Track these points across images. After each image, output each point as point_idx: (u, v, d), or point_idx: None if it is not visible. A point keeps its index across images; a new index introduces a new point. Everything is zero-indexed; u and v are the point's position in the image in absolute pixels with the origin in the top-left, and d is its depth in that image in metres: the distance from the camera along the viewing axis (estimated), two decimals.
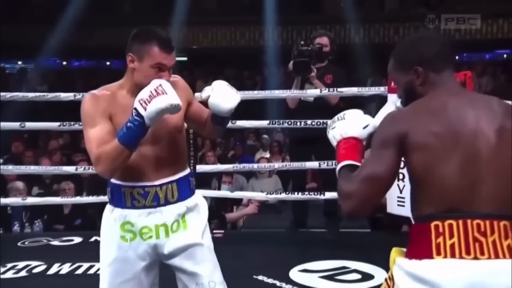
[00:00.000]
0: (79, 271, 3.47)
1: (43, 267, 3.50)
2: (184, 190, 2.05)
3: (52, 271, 3.47)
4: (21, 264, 3.56)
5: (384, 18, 12.85)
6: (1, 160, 5.71)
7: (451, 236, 1.39)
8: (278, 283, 3.19)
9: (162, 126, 1.96)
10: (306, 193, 4.34)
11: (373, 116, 1.78)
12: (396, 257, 1.49)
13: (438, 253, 1.39)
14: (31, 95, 4.84)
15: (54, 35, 10.89)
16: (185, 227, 2.03)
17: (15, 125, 4.50)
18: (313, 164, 4.25)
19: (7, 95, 4.47)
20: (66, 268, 3.52)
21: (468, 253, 1.37)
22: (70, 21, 10.93)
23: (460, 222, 1.39)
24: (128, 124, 1.80)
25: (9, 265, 3.54)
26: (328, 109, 4.08)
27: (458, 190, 1.42)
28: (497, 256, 1.37)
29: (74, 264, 3.56)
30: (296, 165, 4.39)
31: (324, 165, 4.11)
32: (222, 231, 4.57)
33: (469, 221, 1.39)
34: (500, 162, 1.44)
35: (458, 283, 1.36)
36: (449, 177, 1.42)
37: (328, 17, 12.00)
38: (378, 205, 1.78)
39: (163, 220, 2.00)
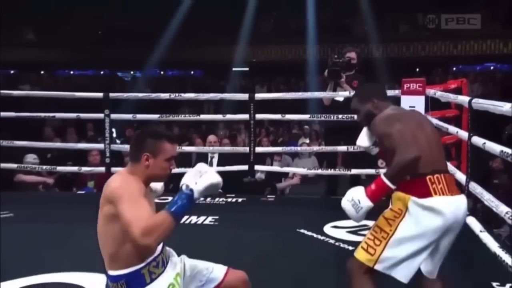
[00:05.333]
0: None
1: None
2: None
3: None
4: None
5: (398, 38, 12.51)
6: (119, 141, 5.91)
7: (439, 183, 1.74)
8: (315, 235, 3.19)
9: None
10: (337, 169, 4.29)
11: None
12: (407, 197, 1.74)
13: (436, 193, 1.73)
14: (140, 95, 4.99)
15: (154, 53, 11.12)
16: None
17: (128, 116, 4.63)
18: (342, 148, 4.19)
19: (124, 95, 4.64)
20: None
21: (449, 192, 1.74)
22: (166, 42, 11.12)
23: (442, 175, 1.75)
24: (179, 198, 1.46)
25: None
26: None
27: (435, 158, 1.79)
28: (458, 192, 1.80)
29: None
30: (329, 148, 4.34)
31: (351, 149, 4.04)
32: (274, 196, 4.59)
33: (444, 175, 1.76)
34: (437, 140, 1.89)
35: (451, 209, 1.73)
36: (428, 151, 1.75)
37: (355, 38, 11.71)
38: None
39: (175, 272, 1.71)
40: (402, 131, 1.75)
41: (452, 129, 3.61)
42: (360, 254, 1.78)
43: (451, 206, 1.72)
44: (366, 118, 1.95)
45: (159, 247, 1.67)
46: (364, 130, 2.04)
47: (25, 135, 4.87)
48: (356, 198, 1.74)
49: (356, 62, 4.13)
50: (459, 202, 1.76)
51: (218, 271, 1.78)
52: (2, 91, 4.59)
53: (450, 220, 1.72)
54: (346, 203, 1.78)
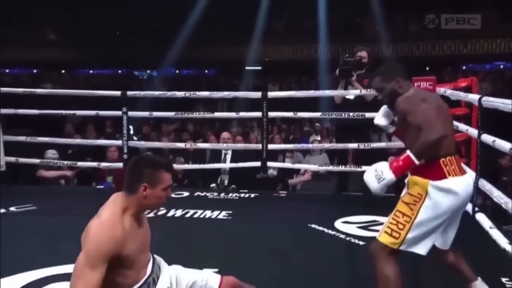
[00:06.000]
0: (187, 215, 3.55)
1: (164, 211, 3.55)
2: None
3: (170, 214, 3.54)
4: None
5: (407, 38, 12.40)
6: (136, 138, 5.95)
7: (451, 165, 1.83)
8: (326, 230, 3.18)
9: (148, 236, 1.66)
10: (348, 166, 4.26)
11: None
12: (425, 182, 1.81)
13: (449, 175, 1.82)
14: (156, 93, 5.00)
15: (170, 52, 11.15)
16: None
17: (145, 114, 4.65)
18: (353, 145, 4.16)
19: (141, 93, 4.67)
20: (179, 212, 3.59)
21: (460, 172, 1.85)
22: (181, 42, 11.15)
23: (453, 157, 1.85)
24: None
25: None
26: (365, 104, 3.98)
27: (449, 141, 1.85)
28: (465, 171, 1.90)
29: (184, 210, 3.63)
30: (340, 145, 4.32)
31: (361, 146, 4.01)
32: (285, 192, 4.58)
33: (454, 156, 1.85)
34: (451, 123, 2.00)
35: (463, 187, 1.83)
36: (447, 133, 1.81)
37: (365, 37, 11.61)
38: (402, 176, 1.89)
39: (166, 286, 1.65)
40: (428, 111, 1.79)
41: (462, 127, 3.56)
42: (384, 238, 1.84)
43: (463, 185, 1.84)
44: (390, 96, 1.95)
45: (149, 268, 1.63)
46: (382, 110, 2.07)
47: (47, 132, 4.94)
48: (379, 170, 1.79)
49: (367, 61, 4.09)
50: (468, 181, 1.89)
51: (212, 281, 1.72)
52: (25, 89, 4.68)
53: (463, 197, 1.84)
54: (368, 174, 1.83)
